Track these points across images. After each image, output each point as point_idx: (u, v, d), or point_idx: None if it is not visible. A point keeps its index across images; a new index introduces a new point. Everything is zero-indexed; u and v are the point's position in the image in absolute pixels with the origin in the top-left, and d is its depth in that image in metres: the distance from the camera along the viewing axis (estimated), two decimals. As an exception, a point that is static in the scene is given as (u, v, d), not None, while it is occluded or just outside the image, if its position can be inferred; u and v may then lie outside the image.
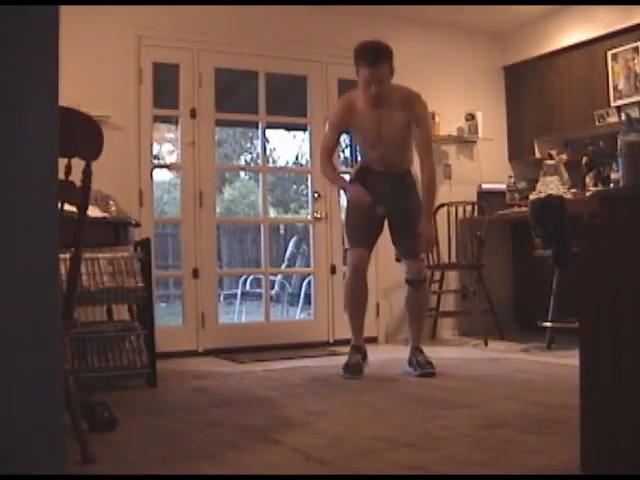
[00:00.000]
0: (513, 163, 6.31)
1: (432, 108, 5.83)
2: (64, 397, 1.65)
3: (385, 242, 5.53)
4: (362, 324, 4.13)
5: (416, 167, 4.13)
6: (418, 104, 3.93)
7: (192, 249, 5.15)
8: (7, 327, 1.34)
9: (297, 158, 12.81)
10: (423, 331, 4.25)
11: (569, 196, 5.10)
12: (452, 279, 5.94)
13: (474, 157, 6.16)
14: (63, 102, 1.53)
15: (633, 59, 5.26)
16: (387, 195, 4.01)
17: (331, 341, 5.46)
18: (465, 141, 6.07)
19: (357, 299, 4.06)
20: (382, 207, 3.99)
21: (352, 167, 4.92)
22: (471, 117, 5.98)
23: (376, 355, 4.56)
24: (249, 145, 14.08)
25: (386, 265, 5.67)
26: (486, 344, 5.15)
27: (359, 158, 4.38)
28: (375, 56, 3.79)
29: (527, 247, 5.25)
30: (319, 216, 5.56)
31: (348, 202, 4.14)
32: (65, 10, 1.54)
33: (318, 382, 3.80)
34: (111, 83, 4.84)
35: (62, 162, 1.66)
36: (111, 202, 4.55)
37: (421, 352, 4.04)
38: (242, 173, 13.59)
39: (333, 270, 5.57)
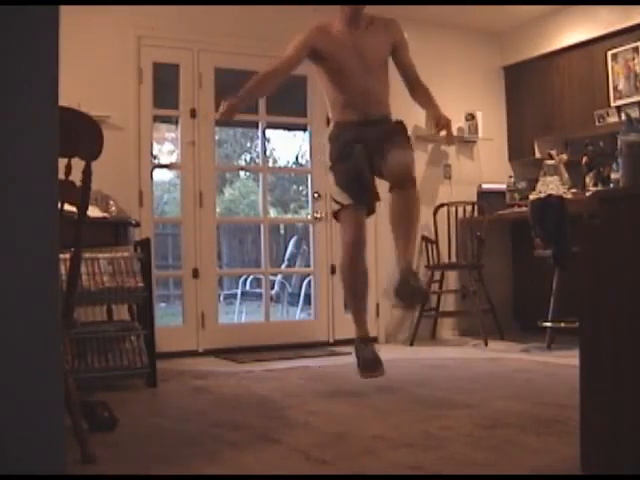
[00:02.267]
0: (513, 163, 6.31)
1: (432, 108, 5.86)
2: (64, 397, 1.65)
3: (385, 241, 5.53)
4: (365, 310, 3.58)
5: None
6: (399, 26, 3.65)
7: (192, 249, 5.15)
8: (7, 327, 1.34)
9: (297, 158, 12.81)
10: (415, 245, 3.43)
11: (569, 196, 5.09)
12: (452, 279, 5.94)
13: (474, 157, 6.16)
14: (63, 102, 1.53)
15: (633, 59, 5.26)
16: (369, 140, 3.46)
17: (331, 341, 5.46)
18: (465, 141, 6.07)
19: (359, 280, 3.47)
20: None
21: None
22: (471, 117, 5.98)
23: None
24: (249, 145, 14.08)
25: (386, 265, 5.67)
26: (486, 344, 5.15)
27: (330, 116, 3.74)
28: None
29: (527, 247, 5.25)
30: (319, 216, 5.56)
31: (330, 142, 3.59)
32: (65, 10, 1.54)
33: (318, 382, 3.80)
34: (111, 83, 4.84)
35: (62, 162, 1.66)
36: (111, 202, 4.55)
37: (414, 276, 3.30)
38: (242, 173, 13.59)
39: (333, 270, 5.56)
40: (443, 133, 3.51)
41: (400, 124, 3.59)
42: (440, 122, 3.46)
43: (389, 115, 3.57)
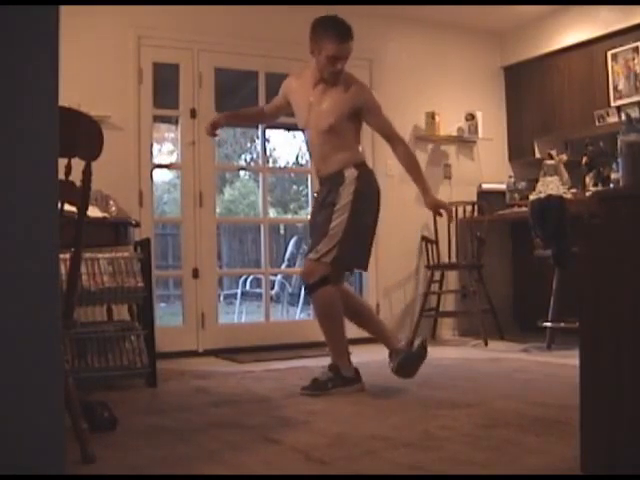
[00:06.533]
0: (513, 163, 6.31)
1: (432, 108, 5.86)
2: (64, 397, 1.65)
3: (385, 241, 5.53)
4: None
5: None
6: (366, 90, 3.66)
7: (192, 249, 5.14)
8: (7, 327, 1.34)
9: (297, 158, 12.82)
10: (336, 345, 3.54)
11: (569, 196, 5.10)
12: (452, 279, 5.94)
13: (474, 157, 6.16)
14: (63, 102, 1.53)
15: (633, 59, 5.26)
16: (316, 205, 3.70)
17: (331, 341, 5.45)
18: (465, 141, 6.07)
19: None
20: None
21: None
22: (471, 117, 5.98)
23: (376, 355, 4.55)
24: (249, 145, 14.08)
25: (386, 265, 5.67)
26: (486, 344, 5.15)
27: None
28: (347, 32, 3.51)
29: (527, 247, 5.25)
30: (319, 216, 5.55)
31: None
32: (65, 10, 1.54)
33: (318, 382, 3.79)
34: (111, 83, 4.84)
35: (62, 162, 1.66)
36: (111, 202, 4.55)
37: (332, 371, 3.50)
38: (242, 173, 13.60)
39: (333, 270, 5.56)
40: (443, 214, 3.66)
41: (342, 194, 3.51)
42: (437, 209, 3.60)
43: (338, 171, 3.52)
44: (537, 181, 5.54)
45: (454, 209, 5.82)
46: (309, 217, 3.86)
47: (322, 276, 3.42)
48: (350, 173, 3.50)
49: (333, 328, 3.51)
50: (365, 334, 4.28)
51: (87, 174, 2.20)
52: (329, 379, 3.45)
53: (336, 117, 3.51)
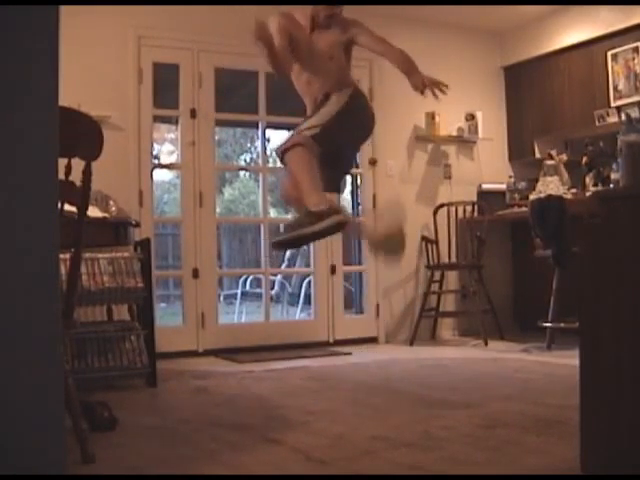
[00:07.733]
0: (513, 163, 6.31)
1: (432, 108, 5.85)
2: (64, 397, 1.65)
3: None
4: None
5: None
6: (354, 20, 3.66)
7: (192, 249, 5.14)
8: (7, 327, 1.34)
9: (297, 158, 12.80)
10: (311, 181, 3.30)
11: (569, 196, 5.10)
12: (452, 279, 5.94)
13: (474, 157, 6.16)
14: (63, 102, 1.53)
15: (633, 59, 5.26)
16: None
17: (331, 341, 5.46)
18: (465, 141, 6.07)
19: None
20: None
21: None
22: (471, 117, 5.98)
23: (376, 355, 4.56)
24: (249, 145, 14.08)
25: (386, 265, 5.66)
26: (486, 344, 5.15)
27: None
28: None
29: (527, 247, 5.25)
30: (319, 216, 5.54)
31: None
32: (65, 10, 1.54)
33: (318, 382, 3.80)
34: (111, 83, 4.84)
35: (62, 162, 1.66)
36: (111, 202, 4.54)
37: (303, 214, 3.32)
38: (242, 173, 13.60)
39: (333, 270, 5.57)
40: (433, 89, 3.36)
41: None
42: (422, 86, 3.33)
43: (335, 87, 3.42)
44: (537, 181, 5.54)
45: (454, 209, 5.83)
46: None
47: (296, 142, 3.27)
48: (348, 89, 3.42)
49: (307, 170, 3.29)
50: (365, 334, 4.30)
51: (87, 174, 2.20)
52: (300, 220, 3.27)
53: (334, 43, 3.54)
